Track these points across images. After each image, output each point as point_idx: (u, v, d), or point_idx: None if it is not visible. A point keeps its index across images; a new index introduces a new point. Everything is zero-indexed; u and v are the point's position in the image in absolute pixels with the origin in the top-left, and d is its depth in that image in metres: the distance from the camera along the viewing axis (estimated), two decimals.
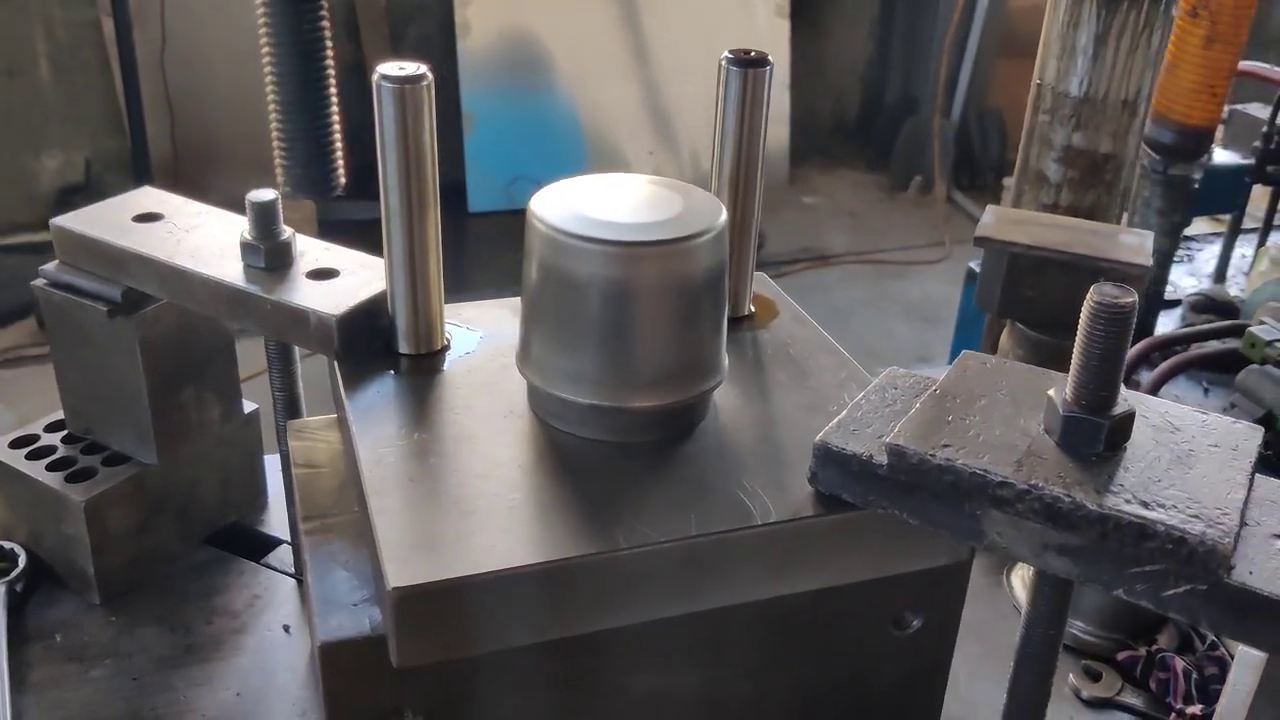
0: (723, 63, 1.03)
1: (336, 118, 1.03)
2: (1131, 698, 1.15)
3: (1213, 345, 1.88)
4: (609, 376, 0.90)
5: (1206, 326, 1.98)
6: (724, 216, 0.92)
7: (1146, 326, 2.04)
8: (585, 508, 0.86)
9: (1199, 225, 2.63)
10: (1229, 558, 0.72)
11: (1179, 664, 1.13)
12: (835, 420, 0.88)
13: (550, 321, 0.92)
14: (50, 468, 1.22)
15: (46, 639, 1.19)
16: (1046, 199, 1.39)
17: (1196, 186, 1.94)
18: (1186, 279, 2.48)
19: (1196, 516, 0.73)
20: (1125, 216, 1.92)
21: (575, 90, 5.65)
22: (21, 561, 1.25)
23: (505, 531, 0.82)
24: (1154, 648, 1.17)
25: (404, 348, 1.03)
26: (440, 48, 5.44)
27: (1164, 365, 1.80)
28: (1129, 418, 0.80)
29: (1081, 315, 0.78)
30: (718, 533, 0.83)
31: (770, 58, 1.03)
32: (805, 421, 0.95)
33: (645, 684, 0.93)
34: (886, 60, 6.55)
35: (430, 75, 0.94)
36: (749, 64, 1.03)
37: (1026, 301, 1.28)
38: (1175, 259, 2.52)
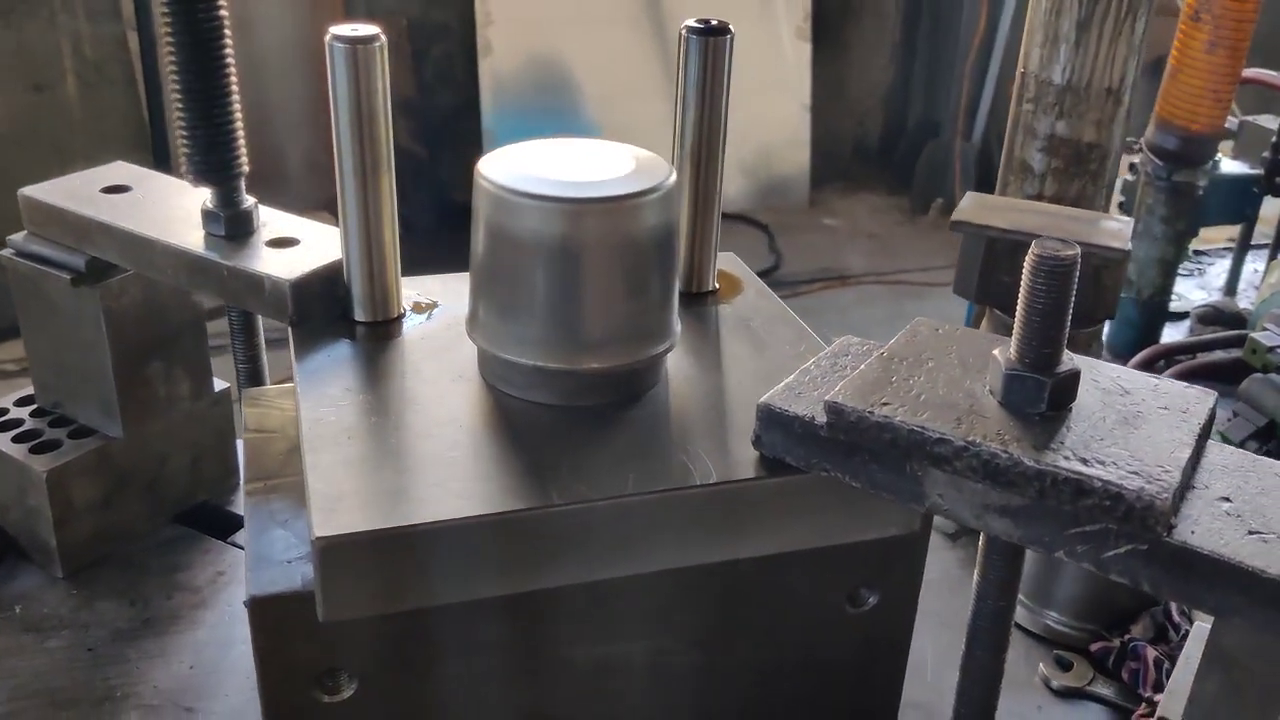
0: (683, 32, 1.03)
1: (237, 106, 1.06)
2: (1103, 688, 1.12)
3: (1218, 355, 1.85)
4: (553, 338, 0.89)
5: (1211, 336, 1.95)
6: (673, 177, 0.90)
7: (1153, 336, 2.01)
8: (523, 466, 0.84)
9: (1210, 239, 2.59)
10: (1168, 515, 0.70)
11: (1150, 653, 1.10)
12: (783, 384, 0.87)
13: (496, 283, 0.90)
14: (16, 439, 1.22)
15: (6, 610, 1.19)
16: (1031, 189, 1.37)
17: (1201, 194, 1.91)
18: (1197, 292, 2.45)
19: (1136, 473, 0.71)
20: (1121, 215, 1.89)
21: (599, 110, 5.66)
22: None
23: (438, 486, 0.81)
24: (1126, 637, 1.14)
25: (360, 315, 1.02)
26: (462, 68, 5.48)
27: (1168, 373, 1.77)
28: (1073, 377, 0.78)
29: (1023, 270, 0.77)
30: (655, 492, 0.82)
31: (731, 27, 1.02)
32: (758, 390, 0.92)
33: (591, 652, 0.91)
34: (908, 83, 6.54)
35: (384, 37, 0.94)
36: (709, 32, 1.02)
37: (1003, 287, 1.26)
38: (1185, 272, 2.49)
